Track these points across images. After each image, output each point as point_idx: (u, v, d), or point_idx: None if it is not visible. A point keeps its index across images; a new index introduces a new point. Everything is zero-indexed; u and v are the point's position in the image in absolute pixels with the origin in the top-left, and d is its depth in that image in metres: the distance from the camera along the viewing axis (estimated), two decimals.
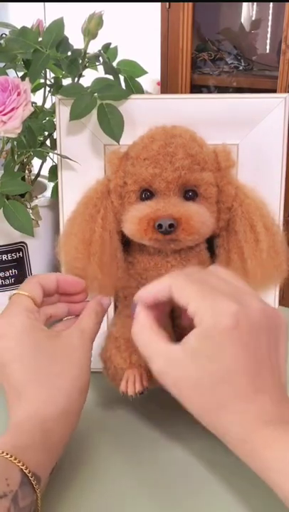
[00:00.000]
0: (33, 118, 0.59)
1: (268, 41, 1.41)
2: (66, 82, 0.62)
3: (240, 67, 1.38)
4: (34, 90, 0.66)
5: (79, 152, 0.58)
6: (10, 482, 0.36)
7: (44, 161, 0.63)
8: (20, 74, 0.64)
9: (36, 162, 0.66)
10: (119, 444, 0.52)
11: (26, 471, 0.37)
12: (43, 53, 0.57)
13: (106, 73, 0.61)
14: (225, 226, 0.57)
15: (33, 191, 0.64)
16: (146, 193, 0.54)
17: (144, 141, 0.54)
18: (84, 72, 0.61)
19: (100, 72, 0.62)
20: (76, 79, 0.60)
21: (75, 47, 0.59)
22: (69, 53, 0.59)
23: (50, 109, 0.63)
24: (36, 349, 0.43)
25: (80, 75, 0.61)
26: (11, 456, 0.37)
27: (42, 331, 0.45)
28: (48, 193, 0.66)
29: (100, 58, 0.60)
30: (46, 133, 0.63)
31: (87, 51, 0.59)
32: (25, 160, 0.63)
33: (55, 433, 0.40)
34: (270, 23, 1.40)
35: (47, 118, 0.63)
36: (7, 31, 0.62)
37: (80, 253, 0.55)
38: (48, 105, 0.64)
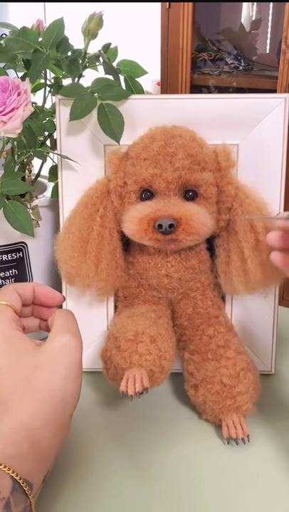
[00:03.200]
0: (33, 118, 0.59)
1: (268, 41, 1.41)
2: (66, 82, 0.62)
3: (240, 67, 1.38)
4: (34, 90, 0.66)
5: (79, 152, 0.58)
6: (1, 489, 0.36)
7: (44, 161, 0.63)
8: (21, 74, 0.64)
9: (36, 162, 0.66)
10: (119, 443, 0.52)
11: (17, 478, 0.37)
12: (43, 53, 0.57)
13: (106, 73, 0.61)
14: (225, 226, 0.57)
15: (33, 191, 0.64)
16: (147, 193, 0.55)
17: (144, 142, 0.54)
18: (84, 72, 0.61)
19: (100, 72, 0.62)
20: (76, 79, 0.60)
21: (75, 47, 0.59)
22: (69, 53, 0.59)
23: (51, 110, 0.63)
24: (20, 360, 0.42)
25: (80, 75, 0.61)
26: (1, 464, 0.37)
27: (25, 341, 0.44)
28: (48, 193, 0.66)
29: (100, 58, 0.60)
30: (46, 133, 0.63)
31: (88, 51, 0.59)
32: (25, 160, 0.63)
33: (44, 441, 0.40)
34: (270, 23, 1.40)
35: (47, 118, 0.63)
36: (7, 31, 0.62)
37: (75, 251, 0.56)
38: (48, 105, 0.64)
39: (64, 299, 0.50)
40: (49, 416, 0.41)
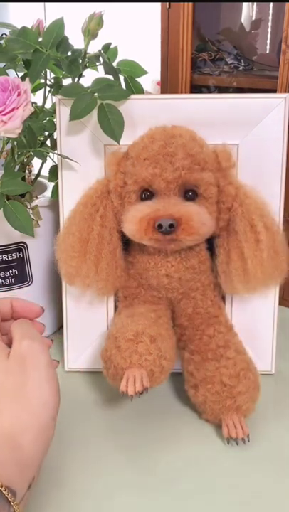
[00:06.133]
0: (33, 118, 0.59)
1: (268, 41, 1.41)
2: (66, 82, 0.62)
3: (241, 67, 1.38)
4: (34, 90, 0.66)
5: (79, 152, 0.58)
6: None
7: (44, 161, 0.63)
8: (21, 74, 0.64)
9: (36, 162, 0.66)
10: (119, 443, 0.52)
11: None
12: (43, 53, 0.57)
13: (106, 73, 0.61)
14: (225, 226, 0.57)
15: (33, 191, 0.64)
16: (147, 193, 0.55)
17: (144, 141, 0.54)
18: (84, 72, 0.61)
19: (100, 72, 0.62)
20: (76, 79, 0.60)
21: (75, 47, 0.59)
22: (69, 53, 0.59)
23: (51, 109, 0.63)
24: (3, 369, 0.42)
25: (80, 75, 0.61)
26: None
27: (5, 350, 0.44)
28: (48, 193, 0.66)
29: (100, 58, 0.60)
30: (46, 133, 0.63)
31: (88, 51, 0.59)
32: (25, 160, 0.63)
33: (26, 447, 0.40)
34: (270, 23, 1.40)
35: (47, 118, 0.63)
36: (7, 31, 0.62)
37: (76, 251, 0.56)
38: (48, 105, 0.64)
39: (43, 310, 0.49)
40: (29, 420, 0.40)
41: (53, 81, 0.64)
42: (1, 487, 0.37)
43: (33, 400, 0.41)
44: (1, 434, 0.39)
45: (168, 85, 1.32)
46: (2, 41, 0.60)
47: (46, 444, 0.42)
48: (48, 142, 0.64)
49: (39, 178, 0.69)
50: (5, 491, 0.37)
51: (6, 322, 0.48)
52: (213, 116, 0.56)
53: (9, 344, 0.45)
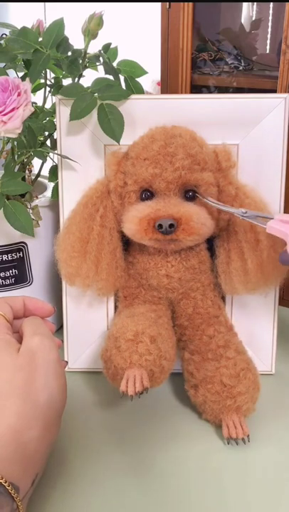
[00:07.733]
0: (33, 118, 0.59)
1: (268, 41, 1.41)
2: (66, 82, 0.62)
3: (241, 68, 1.38)
4: (34, 90, 0.66)
5: (79, 152, 0.58)
6: None
7: (44, 161, 0.63)
8: (21, 74, 0.64)
9: (36, 162, 0.66)
10: (119, 443, 0.52)
11: (2, 481, 0.37)
12: (43, 53, 0.57)
13: (106, 73, 0.61)
14: (225, 226, 0.57)
15: (33, 191, 0.64)
16: (147, 193, 0.55)
17: (144, 141, 0.54)
18: (84, 72, 0.61)
19: (100, 72, 0.62)
20: (76, 79, 0.60)
21: (75, 47, 0.59)
22: (69, 53, 0.59)
23: (51, 109, 0.63)
24: (2, 362, 0.42)
25: (80, 75, 0.61)
26: None
27: (11, 344, 0.44)
28: (48, 193, 0.66)
29: (100, 58, 0.60)
30: (46, 133, 0.63)
31: (88, 51, 0.59)
32: (25, 160, 0.63)
33: (31, 443, 0.40)
34: (270, 23, 1.40)
35: (47, 118, 0.63)
36: (7, 31, 0.62)
37: (76, 251, 0.56)
38: (48, 105, 0.64)
39: (54, 309, 0.50)
40: (35, 417, 0.40)
41: (53, 81, 0.64)
42: (5, 483, 0.37)
43: (40, 397, 0.41)
44: (6, 430, 0.39)
45: (168, 85, 1.32)
46: (2, 41, 0.60)
47: (51, 441, 0.42)
48: (48, 142, 0.64)
49: (39, 178, 0.69)
50: (8, 486, 0.37)
51: (18, 320, 0.49)
52: (213, 116, 0.56)
53: (20, 342, 0.45)
